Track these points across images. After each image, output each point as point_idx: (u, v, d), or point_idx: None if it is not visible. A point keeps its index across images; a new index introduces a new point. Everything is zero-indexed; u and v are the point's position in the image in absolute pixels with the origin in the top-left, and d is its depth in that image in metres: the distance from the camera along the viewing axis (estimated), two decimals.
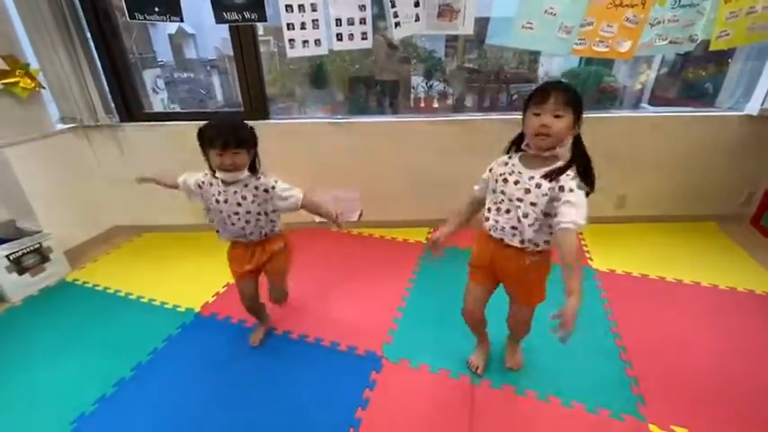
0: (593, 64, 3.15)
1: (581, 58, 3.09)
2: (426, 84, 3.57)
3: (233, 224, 1.41)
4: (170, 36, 4.31)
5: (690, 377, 1.52)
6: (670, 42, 2.00)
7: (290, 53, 1.93)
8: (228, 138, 1.27)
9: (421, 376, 1.55)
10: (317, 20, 1.89)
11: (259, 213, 1.41)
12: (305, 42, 1.92)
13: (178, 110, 3.45)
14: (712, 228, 2.58)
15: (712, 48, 2.01)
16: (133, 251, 2.50)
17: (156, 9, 1.79)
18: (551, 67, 3.58)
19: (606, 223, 2.62)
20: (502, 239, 1.24)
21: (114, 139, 2.37)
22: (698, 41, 2.02)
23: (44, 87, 2.10)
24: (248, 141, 1.32)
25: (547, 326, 1.80)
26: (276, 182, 1.40)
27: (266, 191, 1.39)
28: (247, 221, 1.41)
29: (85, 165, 2.40)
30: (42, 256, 2.10)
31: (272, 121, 2.38)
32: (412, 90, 3.54)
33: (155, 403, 1.46)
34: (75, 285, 2.15)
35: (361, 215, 2.64)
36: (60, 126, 2.24)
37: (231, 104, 3.69)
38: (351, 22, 1.90)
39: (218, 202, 1.39)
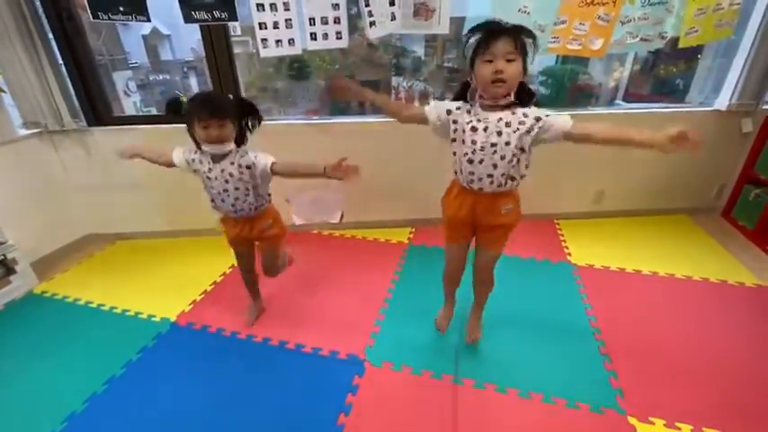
0: (568, 62, 3.19)
1: (557, 57, 3.12)
2: (407, 83, 3.56)
3: (223, 201, 1.44)
4: (144, 37, 4.19)
5: (666, 368, 1.55)
6: (641, 40, 2.04)
7: (263, 53, 1.89)
8: (212, 109, 1.28)
9: (404, 378, 1.53)
10: (290, 19, 1.85)
11: (247, 189, 1.42)
12: (278, 42, 1.88)
13: (154, 112, 3.35)
14: (686, 221, 2.64)
15: (682, 45, 2.06)
16: (106, 260, 2.41)
17: (121, 8, 1.72)
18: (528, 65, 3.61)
19: (584, 218, 2.66)
20: (481, 189, 1.26)
21: (82, 144, 2.27)
22: (668, 38, 2.06)
23: (4, 91, 2.00)
24: (232, 112, 1.33)
25: (526, 324, 1.83)
26: (255, 156, 1.41)
27: (248, 167, 1.39)
28: (236, 198, 1.43)
29: (52, 171, 2.30)
30: (7, 268, 2.00)
31: None
32: (393, 90, 3.53)
33: (128, 418, 1.40)
34: (43, 298, 2.06)
35: (342, 217, 2.61)
36: (23, 131, 2.14)
37: None
38: (325, 22, 1.87)
39: (209, 178, 1.41)
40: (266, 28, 1.85)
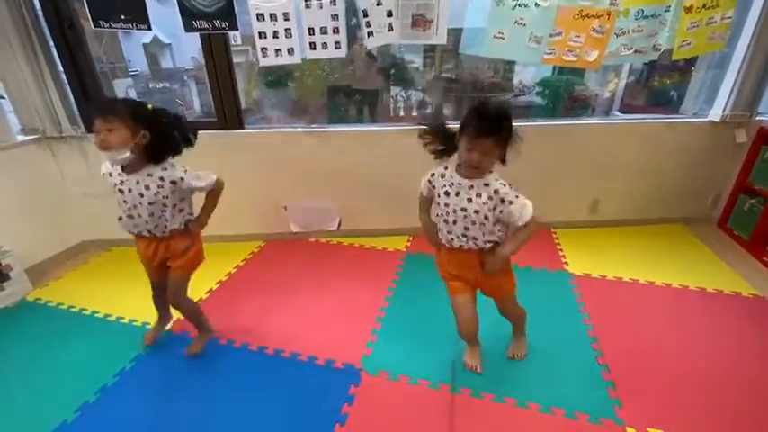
0: (565, 73, 3.23)
1: (554, 68, 3.17)
2: (405, 93, 3.60)
3: (137, 216, 1.32)
4: (144, 45, 4.23)
5: (664, 378, 1.54)
6: (635, 52, 2.08)
7: (263, 62, 1.91)
8: (98, 109, 1.17)
9: (400, 388, 1.52)
10: (289, 29, 1.87)
11: (164, 206, 1.31)
12: (277, 51, 1.90)
13: None
14: (681, 230, 2.65)
15: (675, 57, 2.09)
16: (101, 267, 2.40)
17: (122, 17, 1.74)
18: (525, 76, 3.66)
19: (581, 227, 2.66)
20: (461, 247, 1.32)
21: (80, 151, 2.28)
22: (661, 51, 2.10)
23: (3, 97, 2.01)
24: (124, 114, 1.17)
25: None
26: (185, 172, 1.32)
27: (173, 182, 1.29)
28: (151, 214, 1.31)
29: (49, 178, 2.30)
30: (1, 274, 1.99)
31: (246, 131, 2.34)
32: (391, 99, 3.56)
33: (121, 428, 1.38)
34: (36, 305, 2.04)
35: (339, 224, 2.61)
36: (21, 138, 2.14)
37: (209, 114, 3.65)
38: (324, 32, 1.90)
39: (121, 191, 1.29)
40: (266, 37, 1.87)
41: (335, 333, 1.79)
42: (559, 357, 1.64)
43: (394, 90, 3.55)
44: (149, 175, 1.28)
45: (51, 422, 1.39)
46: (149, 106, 1.26)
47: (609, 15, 1.94)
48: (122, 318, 1.91)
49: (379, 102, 3.43)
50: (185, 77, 4.13)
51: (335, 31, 1.91)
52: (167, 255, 1.45)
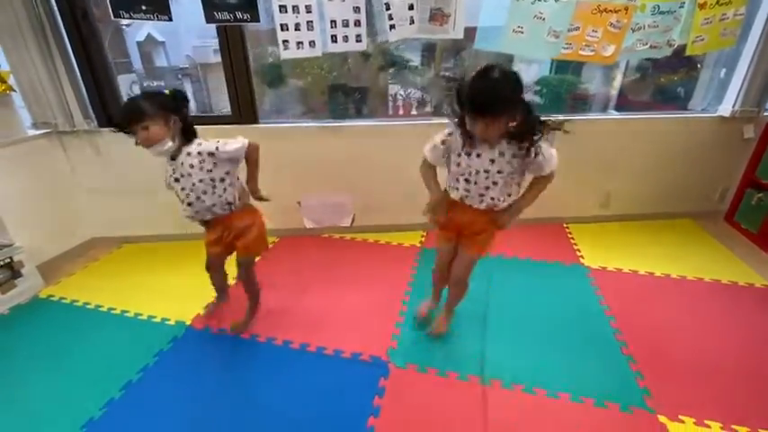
0: (565, 71, 3.25)
1: (552, 66, 3.19)
2: (404, 91, 3.59)
3: (195, 199, 1.39)
4: (138, 43, 4.17)
5: (689, 367, 1.57)
6: (650, 47, 2.10)
7: (284, 54, 1.89)
8: (127, 116, 1.24)
9: (430, 380, 1.52)
10: (311, 21, 1.86)
11: (212, 180, 1.37)
12: (299, 44, 1.89)
13: None
14: (690, 225, 2.69)
15: (689, 52, 2.12)
16: (113, 264, 2.35)
17: (143, 7, 1.71)
18: (527, 75, 3.68)
19: (594, 222, 2.69)
20: (471, 205, 1.35)
21: (92, 146, 2.23)
22: (675, 46, 2.13)
23: (15, 91, 1.96)
24: (150, 112, 1.24)
25: (547, 325, 1.83)
26: (218, 141, 1.36)
27: (211, 153, 1.35)
28: (204, 192, 1.37)
29: (60, 173, 2.25)
30: (13, 271, 1.94)
31: (261, 125, 2.32)
32: (390, 97, 3.55)
33: (150, 423, 1.36)
34: (50, 302, 1.99)
35: (353, 220, 2.60)
36: (33, 132, 2.10)
37: (203, 112, 3.61)
38: (346, 24, 1.89)
39: (176, 180, 1.37)
40: (288, 29, 1.85)
41: (359, 327, 1.79)
42: (585, 349, 1.65)
43: (393, 88, 3.54)
44: (188, 154, 1.34)
45: (78, 419, 1.36)
46: (167, 92, 1.32)
47: (626, 10, 1.96)
48: (140, 314, 1.88)
49: (377, 100, 3.42)
50: (179, 76, 4.08)
51: (357, 23, 1.90)
52: (231, 236, 1.50)
